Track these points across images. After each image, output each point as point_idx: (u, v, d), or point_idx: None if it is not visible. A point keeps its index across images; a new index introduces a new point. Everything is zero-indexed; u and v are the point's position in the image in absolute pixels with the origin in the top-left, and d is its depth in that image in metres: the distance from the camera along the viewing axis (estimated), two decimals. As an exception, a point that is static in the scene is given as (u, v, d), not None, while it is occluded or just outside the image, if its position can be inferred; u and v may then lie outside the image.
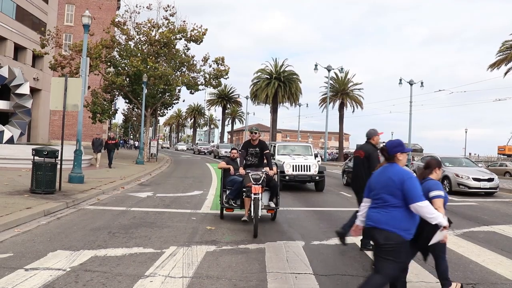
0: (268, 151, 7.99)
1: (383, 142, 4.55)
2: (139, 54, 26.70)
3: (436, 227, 3.57)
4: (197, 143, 65.67)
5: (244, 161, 8.05)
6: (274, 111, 50.30)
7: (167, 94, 30.50)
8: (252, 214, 7.04)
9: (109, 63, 27.78)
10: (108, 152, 20.72)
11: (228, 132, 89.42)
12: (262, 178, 7.38)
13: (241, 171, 7.73)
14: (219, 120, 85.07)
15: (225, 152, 36.67)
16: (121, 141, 74.63)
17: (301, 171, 14.32)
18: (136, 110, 40.03)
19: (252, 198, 7.10)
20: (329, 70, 34.46)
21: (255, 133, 7.99)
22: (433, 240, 3.70)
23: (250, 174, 7.39)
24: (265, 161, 8.07)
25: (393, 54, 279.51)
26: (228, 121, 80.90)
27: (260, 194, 7.13)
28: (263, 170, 7.60)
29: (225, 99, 70.35)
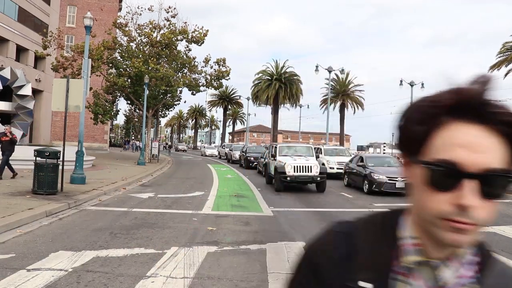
0: None
1: None
2: (140, 56, 26.77)
3: None
4: (231, 146, 41.27)
5: None
6: (275, 112, 50.30)
7: (168, 95, 30.55)
8: None
9: (110, 64, 27.84)
10: (2, 153, 13.04)
11: (230, 133, 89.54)
12: None
13: None
14: (220, 121, 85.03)
15: (238, 155, 31.15)
16: (125, 142, 74.69)
17: (303, 172, 14.34)
18: (137, 111, 40.06)
19: None
20: (329, 72, 34.39)
21: None
22: None
23: None
24: None
25: (396, 55, 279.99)
26: (229, 122, 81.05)
27: None
28: None
29: (227, 100, 70.41)
